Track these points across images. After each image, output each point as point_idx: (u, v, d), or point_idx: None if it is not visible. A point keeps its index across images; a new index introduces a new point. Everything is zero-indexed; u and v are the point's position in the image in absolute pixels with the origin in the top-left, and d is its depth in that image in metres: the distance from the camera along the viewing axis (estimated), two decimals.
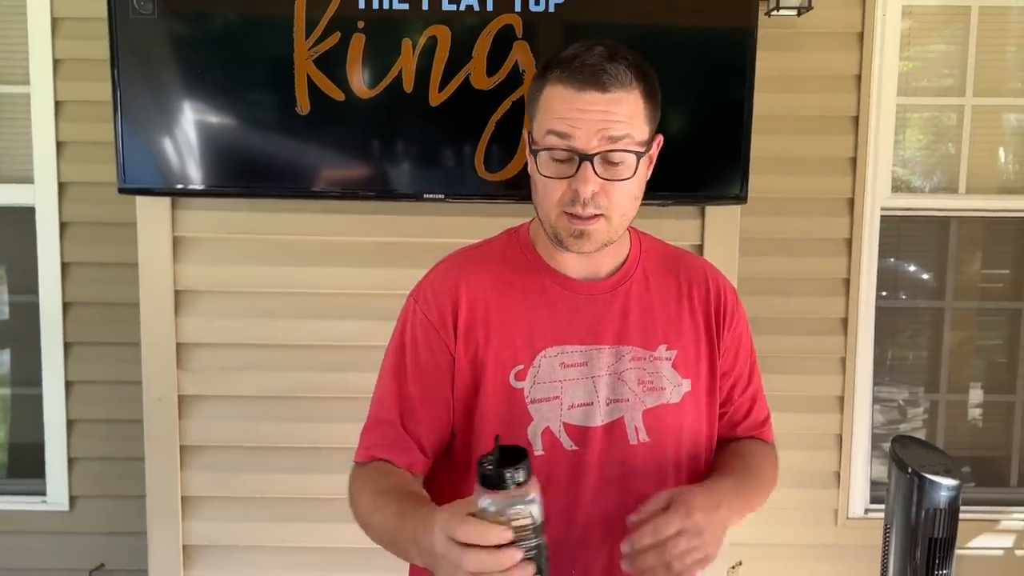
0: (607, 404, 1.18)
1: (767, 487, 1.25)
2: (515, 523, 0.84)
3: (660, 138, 1.17)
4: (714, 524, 1.04)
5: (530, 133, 1.15)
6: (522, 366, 1.16)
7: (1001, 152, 2.68)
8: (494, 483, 0.84)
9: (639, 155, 1.10)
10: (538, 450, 1.16)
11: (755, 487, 1.21)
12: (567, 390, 1.16)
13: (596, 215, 1.10)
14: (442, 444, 1.20)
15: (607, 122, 1.06)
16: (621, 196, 1.10)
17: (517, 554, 0.84)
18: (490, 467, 0.85)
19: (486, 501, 0.85)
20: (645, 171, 1.14)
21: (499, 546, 0.84)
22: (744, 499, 1.16)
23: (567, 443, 1.16)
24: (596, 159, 1.07)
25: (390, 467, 1.15)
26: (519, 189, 2.08)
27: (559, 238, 1.13)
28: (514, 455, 0.86)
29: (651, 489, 1.14)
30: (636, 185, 1.12)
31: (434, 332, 1.18)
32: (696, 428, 1.23)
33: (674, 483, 1.19)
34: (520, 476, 0.85)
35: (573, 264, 1.20)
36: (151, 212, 2.23)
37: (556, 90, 1.09)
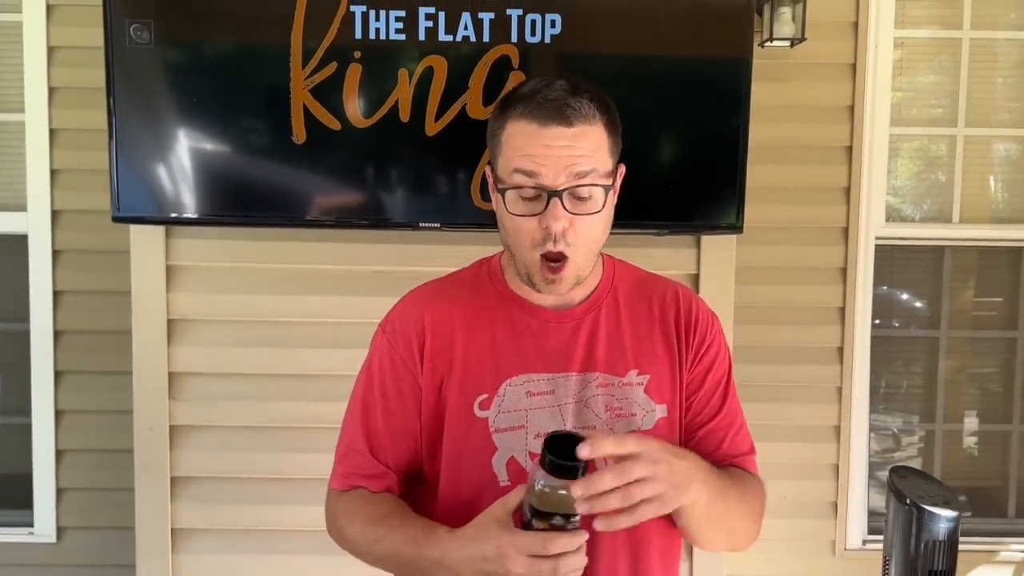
0: None
1: (749, 501, 1.18)
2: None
3: (623, 168, 1.17)
4: (679, 472, 1.00)
5: (494, 171, 1.14)
6: (486, 395, 1.16)
7: (993, 182, 2.69)
8: (567, 472, 0.93)
9: (606, 189, 1.10)
10: (503, 480, 1.15)
11: (733, 486, 1.14)
12: (532, 419, 1.15)
13: (564, 260, 1.10)
14: (412, 470, 1.21)
15: (573, 157, 1.07)
16: (589, 231, 1.10)
17: (584, 535, 0.96)
18: (559, 458, 0.93)
19: (559, 486, 0.94)
20: (612, 203, 1.14)
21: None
22: (719, 485, 1.08)
23: None
24: (564, 195, 1.07)
25: (372, 494, 1.18)
26: None
27: (532, 281, 1.14)
28: (567, 441, 0.94)
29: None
30: (603, 218, 1.12)
31: (400, 363, 1.18)
32: None
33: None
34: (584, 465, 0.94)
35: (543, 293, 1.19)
36: (145, 240, 2.22)
37: (519, 126, 1.08)
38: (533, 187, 1.07)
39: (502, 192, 1.10)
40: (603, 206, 1.10)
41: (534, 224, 1.09)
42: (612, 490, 0.94)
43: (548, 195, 1.07)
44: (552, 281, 1.11)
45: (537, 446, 1.13)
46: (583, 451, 0.92)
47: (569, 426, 1.16)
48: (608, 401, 1.17)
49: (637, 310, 1.22)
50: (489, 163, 1.17)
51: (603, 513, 0.96)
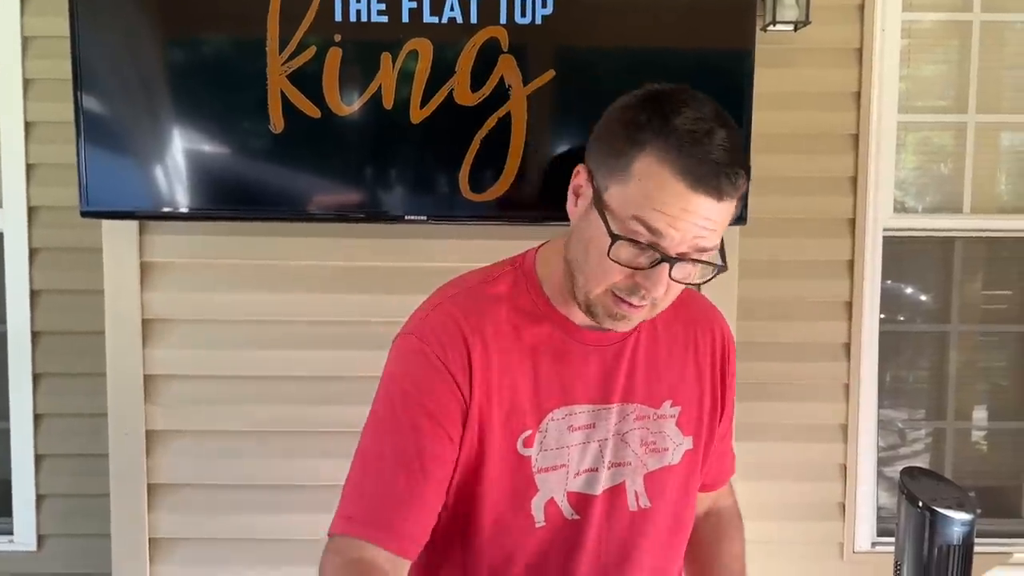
0: (610, 468, 1.07)
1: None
2: None
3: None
4: None
5: (600, 189, 0.97)
6: (530, 431, 1.03)
7: (1005, 170, 2.60)
8: None
9: (715, 268, 0.97)
10: (540, 522, 1.05)
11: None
12: (574, 456, 1.05)
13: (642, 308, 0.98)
14: (433, 522, 1.04)
15: (706, 231, 0.93)
16: (675, 295, 0.99)
17: None
18: None
19: None
20: None
21: None
22: None
23: (568, 512, 1.06)
24: (676, 264, 0.94)
25: (367, 568, 0.97)
26: (506, 210, 1.99)
27: (593, 313, 1.00)
28: None
29: (648, 556, 1.07)
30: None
31: (450, 379, 1.01)
32: (692, 487, 1.14)
33: (670, 547, 1.12)
34: None
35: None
36: (117, 236, 2.15)
37: (663, 174, 0.91)
38: (648, 244, 0.93)
39: (613, 237, 0.94)
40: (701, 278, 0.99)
41: (627, 273, 0.95)
42: None
43: (662, 259, 0.93)
44: (622, 318, 0.99)
45: (575, 484, 1.06)
46: None
47: (607, 462, 1.07)
48: (644, 435, 1.08)
49: (673, 332, 1.13)
50: (588, 166, 1.00)
51: None
